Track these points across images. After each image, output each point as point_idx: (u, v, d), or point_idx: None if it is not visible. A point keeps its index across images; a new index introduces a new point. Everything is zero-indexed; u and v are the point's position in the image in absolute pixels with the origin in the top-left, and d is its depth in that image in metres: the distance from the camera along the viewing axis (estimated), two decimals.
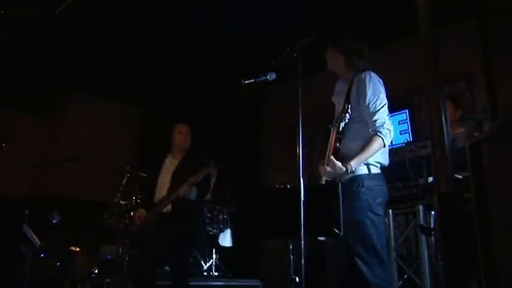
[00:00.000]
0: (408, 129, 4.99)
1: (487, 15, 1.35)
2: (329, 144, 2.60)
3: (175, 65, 5.91)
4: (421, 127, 4.84)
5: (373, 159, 2.60)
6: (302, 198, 2.18)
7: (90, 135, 6.70)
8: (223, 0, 4.59)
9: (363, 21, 4.81)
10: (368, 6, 4.55)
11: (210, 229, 4.85)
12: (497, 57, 1.31)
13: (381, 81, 2.70)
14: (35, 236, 4.28)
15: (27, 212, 4.48)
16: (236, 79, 2.70)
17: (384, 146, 2.56)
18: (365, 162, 2.56)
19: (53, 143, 7.04)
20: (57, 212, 4.55)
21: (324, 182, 2.64)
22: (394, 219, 3.61)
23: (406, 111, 5.03)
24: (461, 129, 3.77)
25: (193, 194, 3.74)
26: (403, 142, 4.25)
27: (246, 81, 2.69)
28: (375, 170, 2.61)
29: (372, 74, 2.70)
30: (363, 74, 2.68)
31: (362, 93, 2.62)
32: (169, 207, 3.75)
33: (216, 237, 4.90)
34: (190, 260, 4.29)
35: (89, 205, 5.65)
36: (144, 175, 4.94)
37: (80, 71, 6.14)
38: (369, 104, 2.58)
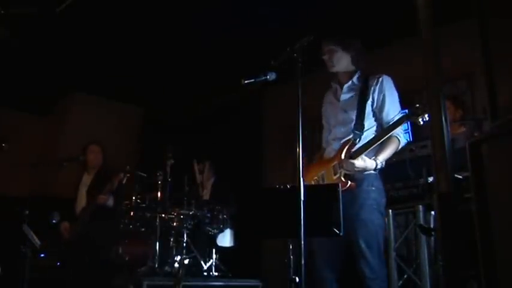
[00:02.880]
0: (408, 129, 4.99)
1: (487, 15, 1.35)
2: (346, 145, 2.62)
3: (176, 64, 5.91)
4: (421, 127, 4.83)
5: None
6: (302, 198, 2.18)
7: (90, 135, 6.68)
8: (223, 0, 4.59)
9: (363, 21, 4.81)
10: (368, 6, 4.55)
11: (210, 229, 4.85)
12: (497, 57, 1.31)
13: (395, 85, 2.76)
14: (35, 236, 4.28)
15: (27, 212, 4.49)
16: (236, 79, 2.69)
17: (397, 150, 2.64)
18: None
19: (53, 143, 7.04)
20: (57, 212, 4.55)
21: (337, 178, 2.63)
22: (394, 219, 3.60)
23: (406, 111, 5.02)
24: (461, 129, 3.76)
25: (110, 202, 4.34)
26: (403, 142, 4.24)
27: (246, 81, 2.69)
28: (378, 172, 2.66)
29: (390, 79, 2.75)
30: (383, 78, 2.72)
31: (384, 96, 2.66)
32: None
33: (216, 237, 4.89)
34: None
35: None
36: (144, 175, 4.94)
37: (80, 70, 6.14)
38: (389, 109, 2.65)
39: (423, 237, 3.26)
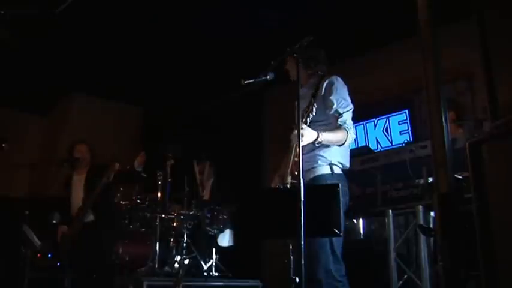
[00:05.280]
0: (408, 129, 4.99)
1: (487, 15, 1.35)
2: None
3: (176, 65, 5.91)
4: (421, 127, 4.84)
5: (335, 159, 2.71)
6: (302, 198, 2.19)
7: (90, 135, 6.69)
8: (223, 0, 4.59)
9: (363, 21, 4.82)
10: (368, 6, 4.55)
11: (210, 229, 4.85)
12: (497, 58, 1.31)
13: (345, 84, 2.81)
14: (34, 236, 4.29)
15: (27, 212, 4.49)
16: (236, 79, 2.70)
17: (344, 143, 2.66)
18: (328, 162, 2.67)
19: (53, 143, 7.04)
20: (57, 212, 4.55)
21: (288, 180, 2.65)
22: (394, 219, 3.60)
23: (406, 111, 5.03)
24: (460, 131, 3.76)
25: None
26: (403, 142, 4.25)
27: (245, 81, 2.70)
28: (337, 170, 2.72)
29: (339, 78, 2.81)
30: (331, 79, 2.78)
31: (330, 96, 2.70)
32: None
33: (216, 237, 4.90)
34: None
35: None
36: (145, 175, 4.94)
37: (80, 71, 6.13)
38: (336, 106, 2.69)
39: (423, 237, 3.26)
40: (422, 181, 3.35)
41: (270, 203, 2.50)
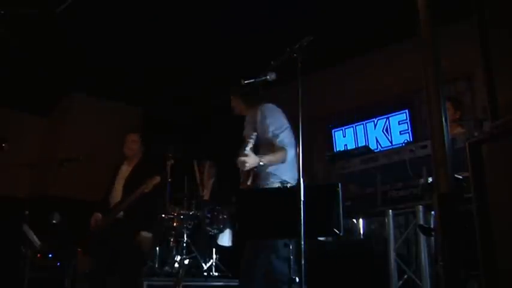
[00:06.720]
0: (408, 129, 4.99)
1: (487, 15, 1.35)
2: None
3: (176, 65, 5.91)
4: (421, 127, 4.84)
5: (285, 175, 2.98)
6: (302, 198, 2.19)
7: (90, 135, 6.70)
8: (224, 0, 4.59)
9: (363, 22, 4.82)
10: (368, 6, 4.55)
11: (210, 229, 4.84)
12: (497, 57, 1.31)
13: (277, 108, 3.16)
14: (34, 236, 4.29)
15: (27, 212, 4.48)
16: (236, 79, 2.70)
17: (285, 160, 2.96)
18: (279, 179, 2.96)
19: (53, 143, 7.04)
20: (57, 212, 4.55)
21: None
22: (394, 219, 3.60)
23: (406, 111, 5.03)
24: (460, 130, 3.76)
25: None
26: (403, 142, 4.25)
27: (246, 81, 2.71)
28: (289, 185, 2.93)
29: (269, 105, 3.16)
30: (261, 107, 3.14)
31: (264, 123, 3.06)
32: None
33: (216, 237, 4.90)
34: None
35: (89, 205, 5.65)
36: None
37: (80, 70, 6.14)
38: (272, 131, 3.02)
39: (423, 237, 3.26)
40: (422, 181, 3.34)
41: (270, 203, 2.50)
